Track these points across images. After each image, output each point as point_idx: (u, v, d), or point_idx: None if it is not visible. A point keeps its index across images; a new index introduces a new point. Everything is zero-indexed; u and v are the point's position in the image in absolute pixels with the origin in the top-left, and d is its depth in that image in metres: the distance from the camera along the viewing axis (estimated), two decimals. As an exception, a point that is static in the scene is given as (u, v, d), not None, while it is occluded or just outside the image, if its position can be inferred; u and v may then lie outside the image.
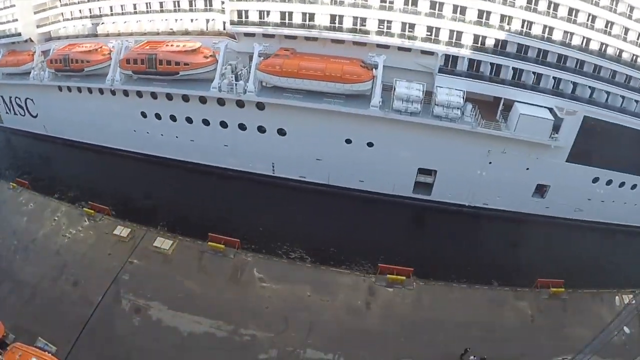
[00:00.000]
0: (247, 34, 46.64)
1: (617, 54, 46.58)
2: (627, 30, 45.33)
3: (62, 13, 57.39)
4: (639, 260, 47.93)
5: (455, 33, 44.76)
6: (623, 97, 47.69)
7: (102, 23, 54.85)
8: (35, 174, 57.92)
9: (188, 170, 53.66)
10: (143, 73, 47.94)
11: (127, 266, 41.21)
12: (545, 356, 35.52)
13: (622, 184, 50.71)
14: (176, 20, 50.29)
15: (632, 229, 54.46)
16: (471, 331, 36.74)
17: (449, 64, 46.31)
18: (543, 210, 50.93)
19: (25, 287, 39.43)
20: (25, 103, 60.12)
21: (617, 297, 40.23)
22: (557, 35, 45.21)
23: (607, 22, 45.08)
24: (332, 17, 44.19)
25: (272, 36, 46.83)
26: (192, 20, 49.91)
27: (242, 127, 47.89)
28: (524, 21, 44.49)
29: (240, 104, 46.06)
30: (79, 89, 53.53)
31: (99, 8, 54.81)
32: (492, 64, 46.10)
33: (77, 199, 51.24)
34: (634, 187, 51.48)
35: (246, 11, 45.48)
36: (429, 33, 44.91)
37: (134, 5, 52.12)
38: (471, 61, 46.10)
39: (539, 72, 46.04)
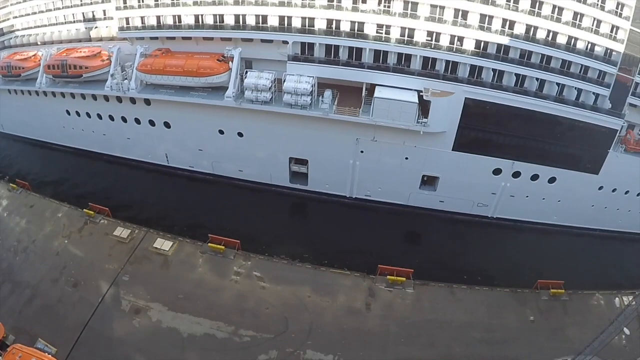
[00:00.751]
0: (138, 38, 50.27)
1: (502, 25, 41.84)
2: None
3: (12, 25, 63.04)
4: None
5: (307, 20, 43.68)
6: (518, 76, 42.79)
7: (37, 34, 60.57)
8: (35, 175, 57.97)
9: (105, 160, 58.21)
10: (59, 76, 52.52)
11: (126, 267, 41.24)
12: (545, 357, 35.51)
13: (535, 177, 46.72)
14: (87, 28, 56.13)
15: (556, 229, 50.69)
16: (471, 332, 36.78)
17: (307, 52, 44.83)
18: (437, 204, 48.11)
19: (25, 288, 39.46)
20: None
21: (616, 298, 40.24)
22: (424, 12, 41.77)
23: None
24: (196, 17, 46.58)
25: (156, 38, 49.87)
26: (106, 27, 55.45)
27: (137, 121, 51.41)
28: (381, 0, 41.77)
29: (133, 100, 49.70)
30: (15, 92, 59.33)
31: (34, 20, 60.77)
32: (350, 48, 43.48)
33: (77, 199, 51.14)
34: (551, 180, 47.31)
35: (131, 18, 49.63)
36: (281, 23, 44.64)
37: (55, 17, 58.05)
38: (328, 47, 44.06)
39: (406, 53, 42.55)
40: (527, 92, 43.30)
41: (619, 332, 33.29)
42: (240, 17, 45.18)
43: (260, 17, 44.78)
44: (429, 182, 48.07)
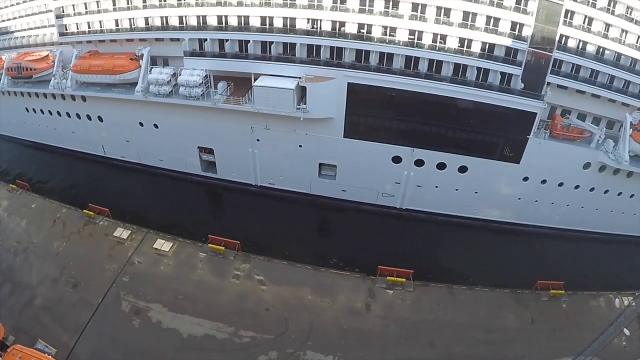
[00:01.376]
0: (77, 42, 55.03)
1: (386, 6, 40.48)
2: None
3: None
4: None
5: (201, 18, 46.09)
6: (410, 58, 40.80)
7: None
8: (36, 175, 58.03)
9: (61, 154, 62.02)
10: (16, 78, 57.55)
11: (127, 268, 41.26)
12: (545, 358, 35.49)
13: (442, 166, 44.51)
14: (43, 34, 59.75)
15: (478, 224, 48.09)
16: (471, 333, 36.77)
17: (202, 47, 46.87)
18: (339, 193, 47.21)
19: (25, 289, 39.48)
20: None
21: (617, 299, 40.23)
22: (303, 0, 41.69)
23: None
24: (116, 21, 50.98)
25: (90, 41, 54.32)
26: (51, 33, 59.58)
27: (78, 116, 55.86)
28: None
29: (73, 97, 54.09)
30: None
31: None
32: (239, 42, 44.94)
33: (77, 200, 51.14)
34: (462, 169, 44.59)
35: (67, 25, 54.81)
36: (181, 23, 47.47)
37: (15, 25, 62.47)
38: (221, 42, 45.79)
39: (290, 42, 42.78)
40: (418, 74, 40.98)
41: (619, 333, 33.28)
42: (149, 19, 49.05)
43: (164, 18, 48.10)
44: (329, 170, 47.13)
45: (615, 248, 49.37)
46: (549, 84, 42.03)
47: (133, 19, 49.59)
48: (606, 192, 46.72)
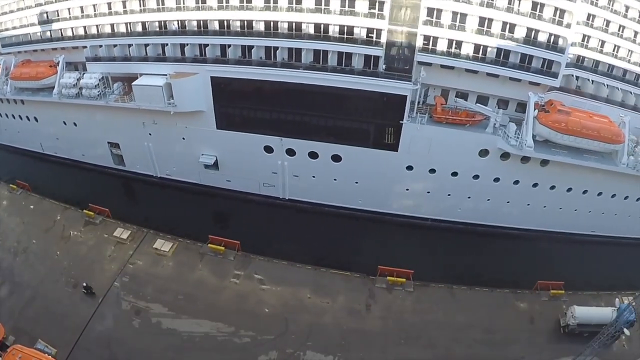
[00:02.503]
0: (18, 52, 58.41)
1: (241, 1, 41.18)
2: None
3: None
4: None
5: (99, 27, 48.99)
6: (269, 49, 40.76)
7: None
8: (36, 175, 57.95)
9: (20, 154, 63.71)
10: None
11: (127, 268, 41.25)
12: (545, 358, 35.52)
13: (314, 155, 43.40)
14: None
15: (362, 215, 46.43)
16: (471, 333, 36.78)
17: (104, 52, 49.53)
18: (225, 183, 48.25)
19: (25, 289, 39.45)
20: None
21: (617, 299, 40.17)
22: (151, 4, 44.10)
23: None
24: (41, 33, 54.55)
25: (26, 52, 57.74)
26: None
27: (20, 117, 58.87)
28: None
29: (15, 101, 57.32)
30: None
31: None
32: (129, 46, 47.13)
33: (77, 200, 51.14)
34: (336, 158, 43.01)
35: (7, 37, 58.26)
36: (86, 32, 50.70)
37: None
38: (122, 47, 48.26)
39: (162, 44, 45.19)
40: (275, 64, 40.76)
41: (620, 333, 33.31)
42: (62, 30, 52.52)
43: (73, 29, 51.39)
44: (212, 160, 48.26)
45: (616, 248, 49.33)
46: (421, 63, 39.44)
47: (51, 30, 53.30)
48: (516, 182, 43.56)
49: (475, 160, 41.91)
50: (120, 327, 36.37)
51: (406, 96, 38.99)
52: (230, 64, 41.71)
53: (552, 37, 39.30)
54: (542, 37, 39.53)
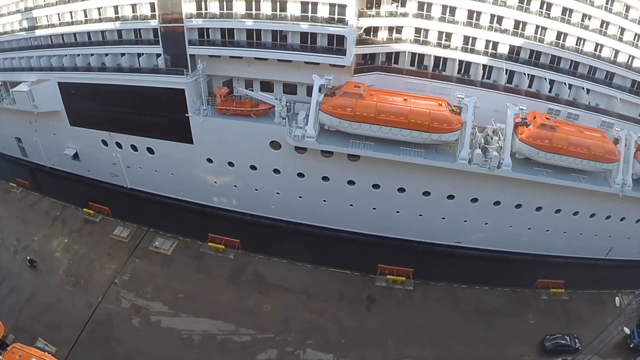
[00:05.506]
0: None
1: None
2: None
3: None
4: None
5: None
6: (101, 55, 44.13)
7: None
8: (36, 174, 58.05)
9: None
10: None
11: (127, 266, 41.29)
12: (545, 357, 35.50)
13: (134, 148, 45.63)
14: None
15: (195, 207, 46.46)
16: (471, 331, 36.76)
17: None
18: (88, 173, 51.85)
19: (25, 287, 39.46)
20: None
21: (617, 297, 40.21)
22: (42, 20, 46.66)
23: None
24: None
25: None
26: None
27: None
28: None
29: None
30: None
31: None
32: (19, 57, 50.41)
33: (77, 199, 51.25)
34: (151, 151, 44.97)
35: None
36: None
37: None
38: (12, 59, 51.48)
39: (26, 56, 48.88)
40: (107, 68, 43.88)
41: (620, 332, 33.28)
42: None
43: None
44: (74, 156, 51.52)
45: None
46: (193, 56, 39.95)
47: None
48: (326, 179, 40.32)
49: (270, 153, 40.25)
50: (120, 326, 36.38)
51: (184, 90, 39.81)
52: (73, 71, 46.16)
53: (336, 9, 36.32)
54: (322, 11, 36.76)
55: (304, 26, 37.10)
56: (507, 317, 38.39)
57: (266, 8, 37.51)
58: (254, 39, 38.82)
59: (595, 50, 39.51)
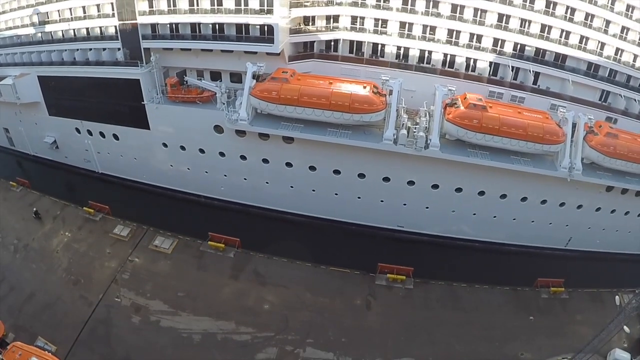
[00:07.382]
0: None
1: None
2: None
3: None
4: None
5: None
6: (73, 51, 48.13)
7: None
8: (35, 173, 58.02)
9: None
10: None
11: (126, 265, 41.27)
12: (545, 355, 35.52)
13: (102, 135, 48.65)
14: None
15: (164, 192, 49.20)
16: (471, 330, 36.78)
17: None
18: (64, 159, 54.76)
19: (25, 286, 39.47)
20: None
21: (617, 296, 40.23)
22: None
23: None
24: None
25: None
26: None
27: None
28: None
29: None
30: None
31: None
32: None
33: (77, 198, 51.20)
34: (116, 137, 48.09)
35: None
36: None
37: None
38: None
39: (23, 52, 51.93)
40: (77, 62, 47.64)
41: (619, 330, 33.29)
42: None
43: None
44: (52, 144, 54.58)
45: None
46: (148, 49, 43.28)
47: None
48: (266, 161, 42.60)
49: (215, 137, 42.90)
50: (120, 324, 36.36)
51: (139, 80, 43.18)
52: (49, 65, 49.46)
53: (265, 1, 39.31)
54: (253, 4, 39.86)
55: (236, 18, 40.49)
56: (507, 316, 38.39)
57: (205, 3, 41.13)
58: (198, 32, 42.42)
59: (542, 31, 39.71)
